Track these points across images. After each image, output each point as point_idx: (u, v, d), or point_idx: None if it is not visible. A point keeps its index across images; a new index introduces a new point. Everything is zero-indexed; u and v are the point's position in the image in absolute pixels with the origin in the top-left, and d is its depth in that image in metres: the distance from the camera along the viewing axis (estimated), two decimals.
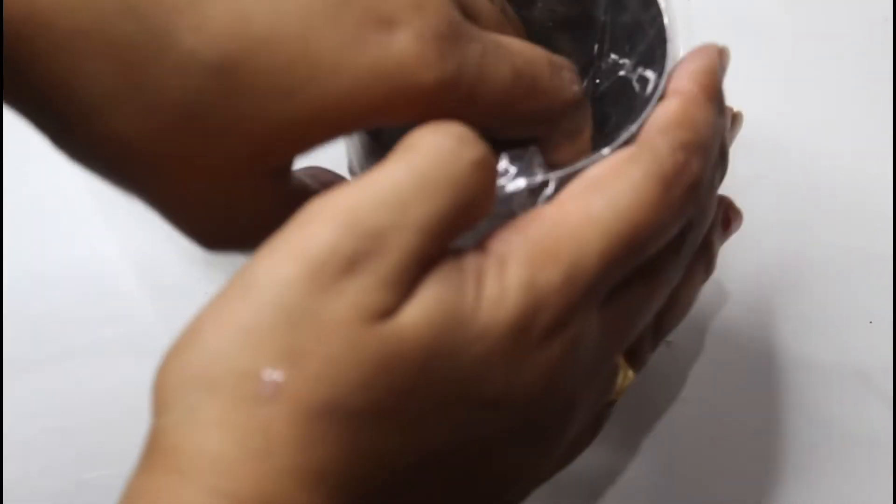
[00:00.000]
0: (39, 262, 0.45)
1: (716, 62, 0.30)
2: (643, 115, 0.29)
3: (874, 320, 0.43)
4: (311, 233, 0.23)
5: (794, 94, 0.48)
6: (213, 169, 0.25)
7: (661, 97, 0.29)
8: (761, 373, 0.42)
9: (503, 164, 0.27)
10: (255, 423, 0.23)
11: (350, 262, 0.23)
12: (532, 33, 0.36)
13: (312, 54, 0.24)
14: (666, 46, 0.30)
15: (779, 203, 0.45)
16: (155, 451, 0.23)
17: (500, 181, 0.27)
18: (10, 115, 0.26)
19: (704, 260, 0.33)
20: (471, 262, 0.25)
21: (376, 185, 0.24)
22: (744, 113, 0.34)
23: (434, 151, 0.24)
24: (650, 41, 0.31)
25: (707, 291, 0.43)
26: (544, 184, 0.27)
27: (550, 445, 0.28)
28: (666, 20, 0.30)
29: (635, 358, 0.33)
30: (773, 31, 0.50)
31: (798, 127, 0.48)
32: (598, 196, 0.26)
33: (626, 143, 0.28)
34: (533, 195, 0.28)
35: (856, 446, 0.40)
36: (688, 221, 0.29)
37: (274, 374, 0.23)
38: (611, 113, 0.35)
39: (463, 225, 0.24)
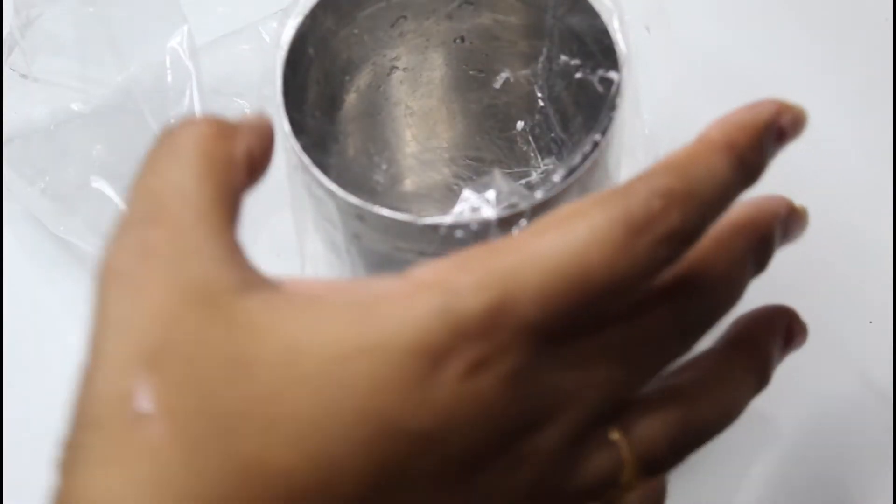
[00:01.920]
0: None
1: (762, 119, 0.27)
2: (607, 124, 0.28)
3: (874, 320, 0.43)
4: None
5: (794, 93, 0.48)
6: None
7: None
8: None
9: (473, 199, 0.27)
10: (139, 450, 0.21)
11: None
12: (491, 39, 0.36)
13: None
14: (617, 50, 0.30)
15: None
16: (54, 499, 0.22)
17: (468, 215, 0.27)
18: None
19: (756, 367, 0.28)
20: (376, 283, 0.23)
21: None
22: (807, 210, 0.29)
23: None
24: (603, 44, 0.31)
25: None
26: (515, 217, 0.27)
27: (489, 492, 0.24)
28: (616, 24, 0.30)
29: (651, 468, 0.26)
30: (772, 31, 0.50)
31: None
32: (550, 233, 0.24)
33: (592, 150, 0.28)
34: (505, 229, 0.27)
35: (856, 446, 0.40)
36: (692, 288, 0.26)
37: (144, 387, 0.21)
38: (576, 113, 0.35)
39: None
